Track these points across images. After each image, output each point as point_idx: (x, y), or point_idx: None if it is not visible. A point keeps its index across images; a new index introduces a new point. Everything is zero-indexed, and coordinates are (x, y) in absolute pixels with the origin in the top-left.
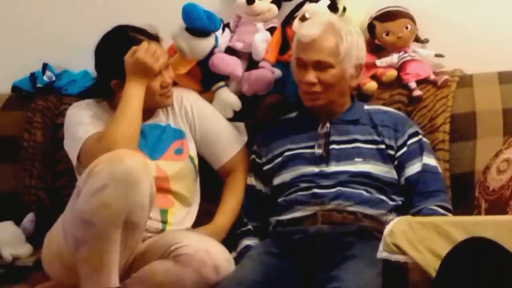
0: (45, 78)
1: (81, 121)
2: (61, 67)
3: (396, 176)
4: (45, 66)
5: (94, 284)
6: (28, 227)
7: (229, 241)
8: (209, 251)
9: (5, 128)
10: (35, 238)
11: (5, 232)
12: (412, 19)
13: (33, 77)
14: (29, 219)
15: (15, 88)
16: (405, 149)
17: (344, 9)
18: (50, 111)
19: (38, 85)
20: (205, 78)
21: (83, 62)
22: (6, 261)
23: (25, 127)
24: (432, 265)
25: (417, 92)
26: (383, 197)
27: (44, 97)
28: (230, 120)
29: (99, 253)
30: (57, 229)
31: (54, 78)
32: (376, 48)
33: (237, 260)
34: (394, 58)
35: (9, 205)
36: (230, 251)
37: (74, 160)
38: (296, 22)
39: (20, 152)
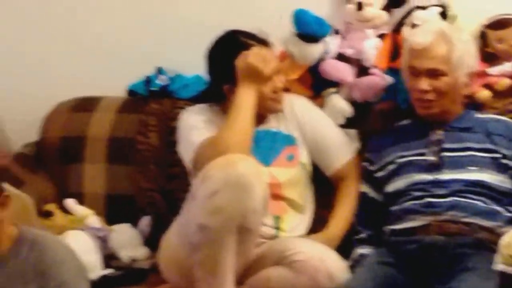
0: (159, 81)
1: (195, 126)
2: (175, 71)
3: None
4: (159, 70)
5: None
6: (145, 230)
7: (343, 248)
8: (323, 259)
9: (121, 130)
10: (152, 241)
11: (123, 235)
12: None
13: (147, 80)
14: (145, 222)
15: (130, 92)
16: None
17: (454, 16)
18: (164, 114)
19: (152, 88)
20: (316, 84)
21: (196, 67)
22: (124, 263)
23: (140, 129)
24: None
25: None
26: (498, 208)
27: (158, 100)
28: (341, 127)
29: (214, 257)
30: (173, 232)
31: (167, 82)
32: (487, 56)
33: (351, 268)
34: (506, 66)
35: (126, 207)
36: (344, 259)
37: (188, 164)
38: (406, 29)
39: (135, 154)
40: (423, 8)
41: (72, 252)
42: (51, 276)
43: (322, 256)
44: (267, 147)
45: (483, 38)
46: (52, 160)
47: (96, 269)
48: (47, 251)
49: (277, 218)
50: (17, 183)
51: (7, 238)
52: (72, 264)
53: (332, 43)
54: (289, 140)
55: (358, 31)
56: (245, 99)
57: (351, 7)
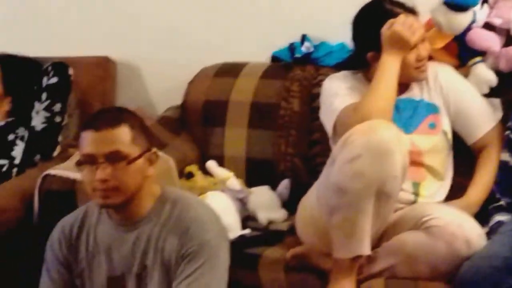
0: (303, 49)
1: (337, 92)
2: (319, 39)
3: None
4: (303, 38)
5: (346, 250)
6: (284, 193)
7: (480, 216)
8: (461, 225)
9: (264, 96)
10: (290, 204)
11: (262, 197)
12: None
13: (292, 47)
14: (284, 185)
15: (274, 58)
16: None
17: None
18: (307, 81)
19: (296, 55)
20: (462, 53)
21: (340, 35)
22: (261, 224)
23: (283, 95)
24: None
25: None
26: None
27: (301, 67)
28: (485, 96)
29: (352, 221)
30: (311, 196)
31: (312, 49)
32: None
33: (488, 235)
34: None
35: (266, 171)
36: (481, 226)
37: (329, 130)
38: None
39: (278, 119)
40: None
41: (213, 213)
42: (192, 235)
43: (460, 222)
44: (409, 115)
45: None
46: (195, 123)
47: (235, 230)
48: (189, 211)
49: (416, 184)
50: (161, 145)
51: (151, 197)
52: (213, 225)
53: (480, 13)
54: (432, 109)
55: (508, 0)
56: (389, 66)
57: None
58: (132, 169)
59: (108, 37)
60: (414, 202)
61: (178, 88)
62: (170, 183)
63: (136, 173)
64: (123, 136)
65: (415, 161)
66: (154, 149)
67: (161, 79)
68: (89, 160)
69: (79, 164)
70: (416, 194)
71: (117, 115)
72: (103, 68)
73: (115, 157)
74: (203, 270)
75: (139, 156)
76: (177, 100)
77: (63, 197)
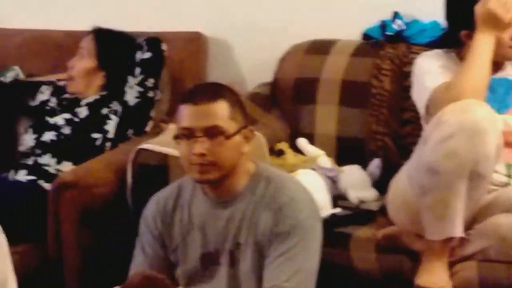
0: (394, 26)
1: (430, 71)
2: (411, 16)
3: None
4: (395, 15)
5: (437, 232)
6: (374, 172)
7: None
8: None
9: (355, 74)
10: (381, 184)
11: (353, 176)
12: None
13: (383, 25)
14: (375, 164)
15: (365, 36)
16: None
17: None
18: (398, 59)
19: (388, 33)
20: None
21: (433, 13)
22: (352, 203)
23: (374, 73)
24: None
25: None
26: None
27: (393, 45)
28: None
29: (444, 201)
30: (402, 176)
31: (403, 27)
32: None
33: None
34: None
35: (356, 150)
36: None
37: (421, 109)
38: None
39: (369, 98)
40: None
41: (307, 192)
42: (286, 214)
43: None
44: (502, 95)
45: None
46: (285, 100)
47: (326, 209)
48: (283, 190)
49: (510, 166)
50: (251, 122)
51: (245, 174)
52: (308, 204)
53: None
54: None
55: None
56: (483, 45)
57: None
58: (230, 144)
59: (200, 12)
60: (507, 184)
61: (268, 64)
62: (261, 160)
63: (233, 149)
64: (221, 111)
65: (509, 142)
66: (250, 126)
67: (252, 56)
68: (187, 134)
69: (176, 137)
70: (509, 176)
71: (216, 90)
72: (195, 43)
73: (213, 132)
74: (296, 249)
75: (237, 132)
76: (267, 77)
77: (156, 171)
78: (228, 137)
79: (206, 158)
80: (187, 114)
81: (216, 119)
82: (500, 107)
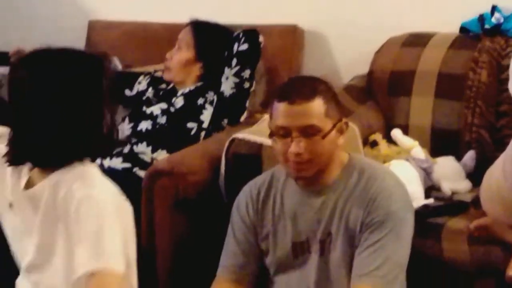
0: (493, 20)
1: None
2: (510, 10)
3: None
4: (493, 8)
5: None
6: (469, 164)
7: None
8: None
9: (452, 66)
10: (475, 176)
11: (446, 167)
12: None
13: (481, 18)
14: (470, 156)
15: (463, 29)
16: None
17: None
18: (496, 52)
19: (486, 26)
20: None
21: None
22: (445, 194)
23: (471, 66)
24: None
25: None
26: None
27: (491, 38)
28: None
29: None
30: (497, 168)
31: (502, 21)
32: None
33: None
34: None
35: (450, 141)
36: None
37: None
38: None
39: (465, 90)
40: None
41: (400, 183)
42: (379, 205)
43: None
44: None
45: None
46: (381, 92)
47: (419, 199)
48: (376, 180)
49: None
50: (346, 114)
51: (338, 165)
52: (400, 196)
53: None
54: None
55: None
56: None
57: None
58: (326, 142)
59: (297, 5)
60: None
61: (364, 57)
62: (354, 151)
63: (329, 146)
64: (317, 110)
65: None
66: (344, 119)
67: (347, 49)
68: (282, 133)
69: (271, 135)
70: None
71: (312, 88)
72: (291, 36)
73: (310, 131)
74: (387, 240)
75: (332, 128)
76: (362, 69)
77: (250, 160)
78: (325, 135)
79: (303, 157)
80: (282, 113)
81: (312, 118)
82: None
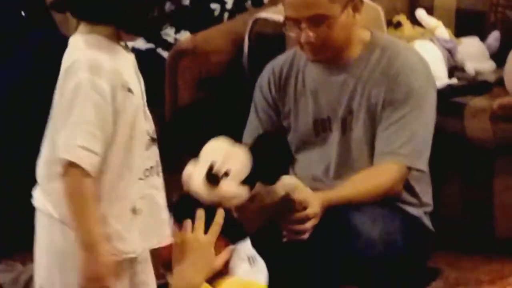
0: None
1: None
2: None
3: None
4: None
5: None
6: (493, 45)
7: None
8: None
9: None
10: (499, 56)
11: (470, 48)
12: None
13: None
14: (494, 37)
15: None
16: None
17: None
18: None
19: None
20: None
21: None
22: (469, 74)
23: None
24: None
25: None
26: None
27: None
28: None
29: None
30: None
31: None
32: None
33: None
34: None
35: (475, 22)
36: None
37: None
38: None
39: None
40: None
41: (423, 61)
42: (401, 82)
43: None
44: None
45: None
46: None
47: (442, 79)
48: (398, 58)
49: None
50: None
51: (359, 42)
52: (422, 72)
53: None
54: None
55: None
56: None
57: None
58: (337, 26)
59: None
60: None
61: None
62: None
63: (341, 29)
64: None
65: None
66: None
67: None
68: (292, 23)
69: (284, 24)
70: None
71: None
72: None
73: (317, 20)
74: (410, 116)
75: (343, 10)
76: None
77: (273, 40)
78: (331, 22)
79: (315, 44)
80: (289, 4)
81: (317, 7)
82: None
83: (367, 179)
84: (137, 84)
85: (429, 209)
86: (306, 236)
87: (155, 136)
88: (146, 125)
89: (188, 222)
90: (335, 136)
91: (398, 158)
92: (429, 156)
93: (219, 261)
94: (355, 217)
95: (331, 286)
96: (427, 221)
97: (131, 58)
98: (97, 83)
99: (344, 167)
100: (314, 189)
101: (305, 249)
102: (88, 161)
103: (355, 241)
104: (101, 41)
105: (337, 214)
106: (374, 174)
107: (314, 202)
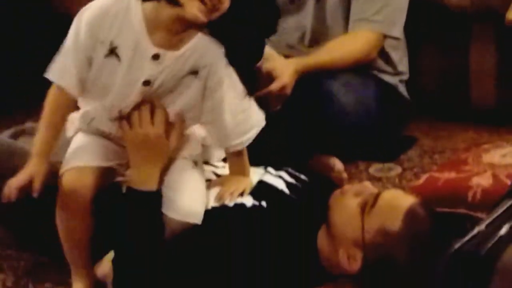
0: None
1: None
2: None
3: None
4: None
5: None
6: None
7: None
8: None
9: None
10: None
11: None
12: None
13: None
14: None
15: None
16: None
17: None
18: None
19: None
20: None
21: None
22: None
23: None
24: None
25: None
26: None
27: None
28: None
29: None
30: None
31: None
32: None
33: None
34: None
35: None
36: None
37: None
38: None
39: None
40: None
41: None
42: None
43: None
44: None
45: None
46: None
47: None
48: None
49: None
50: None
51: None
52: None
53: None
54: None
55: None
56: None
57: None
58: None
59: None
60: None
61: None
62: None
63: None
64: None
65: None
66: None
67: None
68: None
69: None
70: None
71: None
72: None
73: None
74: None
75: None
76: None
77: None
78: None
79: None
80: None
81: None
82: None
83: (342, 46)
84: None
85: (405, 77)
86: (277, 107)
87: None
88: None
89: (134, 116)
90: (310, 3)
91: (373, 25)
92: (405, 24)
93: None
94: (328, 84)
95: (305, 155)
96: (402, 89)
97: None
98: None
99: (319, 34)
100: (289, 56)
101: (279, 117)
102: None
103: (328, 108)
104: None
105: (310, 80)
106: (348, 41)
107: (284, 72)
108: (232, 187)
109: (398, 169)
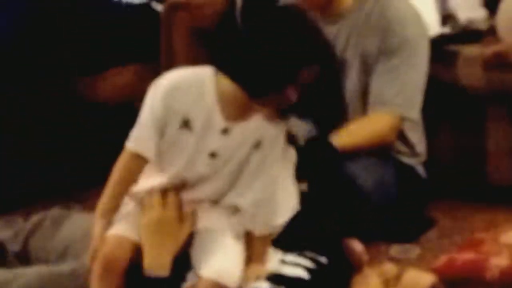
0: None
1: None
2: None
3: None
4: None
5: None
6: None
7: None
8: None
9: None
10: (491, 4)
11: None
12: None
13: None
14: None
15: None
16: None
17: None
18: None
19: None
20: None
21: None
22: (461, 23)
23: None
24: None
25: None
26: None
27: None
28: None
29: None
30: None
31: None
32: None
33: None
34: None
35: None
36: None
37: None
38: None
39: None
40: None
41: (414, 10)
42: (393, 32)
43: None
44: None
45: None
46: None
47: (434, 27)
48: (390, 8)
49: None
50: None
51: None
52: (414, 21)
53: None
54: None
55: None
56: None
57: None
58: None
59: None
60: None
61: None
62: None
63: None
64: None
65: None
66: None
67: None
68: None
69: None
70: None
71: None
72: None
73: None
74: (403, 66)
75: None
76: None
77: None
78: None
79: None
80: None
81: None
82: None
83: (361, 129)
84: None
85: (423, 159)
86: None
87: None
88: None
89: (148, 201)
90: None
91: (392, 108)
92: (422, 105)
93: None
94: (349, 168)
95: (335, 241)
96: (421, 171)
97: None
98: None
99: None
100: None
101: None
102: None
103: (350, 192)
104: None
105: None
106: (368, 124)
107: None
108: (249, 280)
109: (417, 250)
